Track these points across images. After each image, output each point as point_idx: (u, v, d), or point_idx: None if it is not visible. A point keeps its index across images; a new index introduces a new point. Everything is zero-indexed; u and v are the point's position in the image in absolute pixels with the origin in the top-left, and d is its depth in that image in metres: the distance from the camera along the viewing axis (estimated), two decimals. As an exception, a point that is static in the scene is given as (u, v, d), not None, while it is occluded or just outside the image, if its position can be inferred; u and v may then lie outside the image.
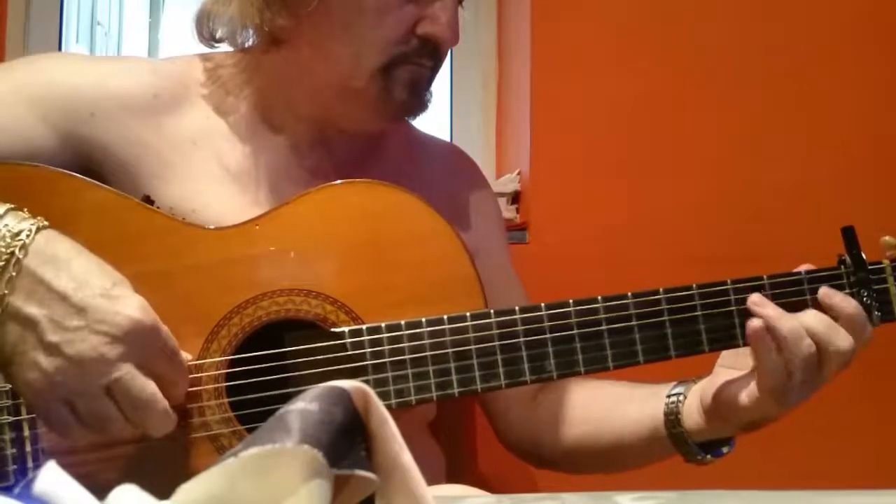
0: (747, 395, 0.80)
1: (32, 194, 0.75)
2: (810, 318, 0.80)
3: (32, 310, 0.69)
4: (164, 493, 0.38)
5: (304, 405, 0.39)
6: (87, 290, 0.70)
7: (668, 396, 0.87)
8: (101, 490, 0.39)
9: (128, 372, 0.70)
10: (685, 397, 0.86)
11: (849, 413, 1.28)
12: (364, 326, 0.79)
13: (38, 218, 0.72)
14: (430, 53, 0.89)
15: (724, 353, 0.85)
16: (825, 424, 1.27)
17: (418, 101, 0.91)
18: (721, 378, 0.84)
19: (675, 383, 0.89)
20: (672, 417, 0.86)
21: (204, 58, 0.95)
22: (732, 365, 0.84)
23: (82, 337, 0.69)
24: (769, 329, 0.78)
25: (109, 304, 0.70)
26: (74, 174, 0.81)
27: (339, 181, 0.84)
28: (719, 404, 0.82)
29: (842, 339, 0.79)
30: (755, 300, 0.80)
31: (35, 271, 0.70)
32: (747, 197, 1.31)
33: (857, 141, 1.33)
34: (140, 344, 0.70)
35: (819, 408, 1.23)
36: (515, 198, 1.36)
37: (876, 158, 1.33)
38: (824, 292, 0.81)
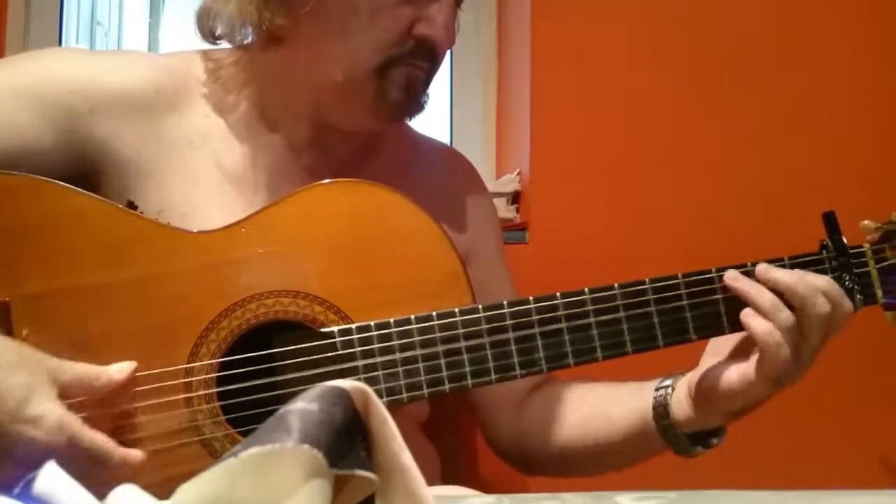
0: (740, 378, 0.80)
1: (13, 203, 0.73)
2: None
3: None
4: (157, 498, 0.38)
5: (304, 405, 0.39)
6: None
7: (657, 389, 0.87)
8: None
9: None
10: (673, 389, 0.86)
11: (849, 413, 1.28)
12: (353, 325, 0.78)
13: None
14: (425, 55, 0.89)
15: (710, 342, 0.85)
16: (825, 424, 1.27)
17: (414, 103, 0.91)
18: (708, 366, 0.83)
19: (663, 377, 0.89)
20: (660, 409, 0.86)
21: (204, 55, 0.95)
22: (717, 353, 0.84)
23: None
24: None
25: (18, 430, 0.65)
26: (55, 181, 0.79)
27: (324, 181, 0.83)
28: (709, 391, 0.82)
29: (821, 304, 0.78)
30: (732, 275, 0.80)
31: None
32: (748, 196, 1.31)
33: (858, 139, 1.33)
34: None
35: (819, 408, 1.23)
36: (515, 198, 1.36)
37: (876, 158, 1.33)
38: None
